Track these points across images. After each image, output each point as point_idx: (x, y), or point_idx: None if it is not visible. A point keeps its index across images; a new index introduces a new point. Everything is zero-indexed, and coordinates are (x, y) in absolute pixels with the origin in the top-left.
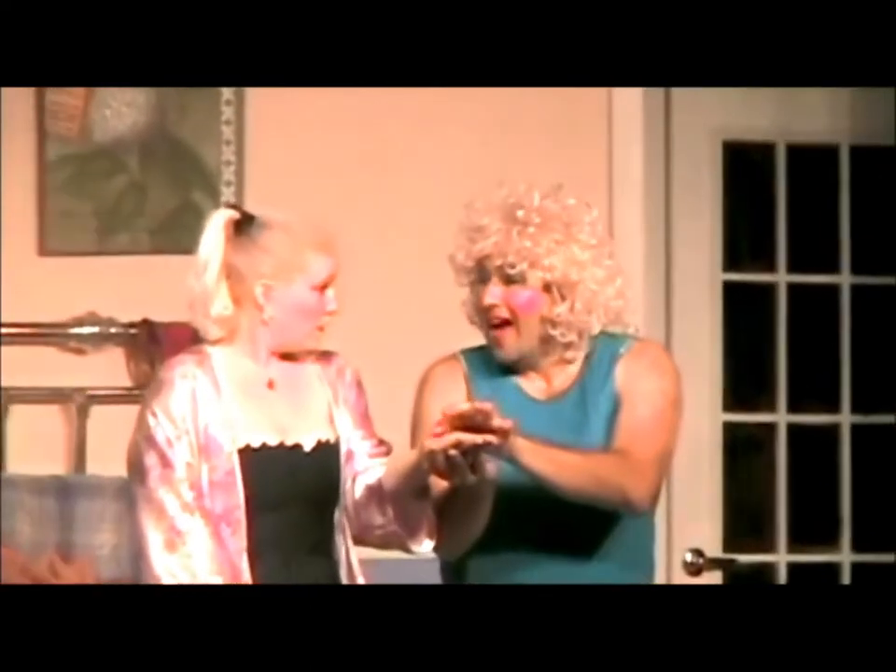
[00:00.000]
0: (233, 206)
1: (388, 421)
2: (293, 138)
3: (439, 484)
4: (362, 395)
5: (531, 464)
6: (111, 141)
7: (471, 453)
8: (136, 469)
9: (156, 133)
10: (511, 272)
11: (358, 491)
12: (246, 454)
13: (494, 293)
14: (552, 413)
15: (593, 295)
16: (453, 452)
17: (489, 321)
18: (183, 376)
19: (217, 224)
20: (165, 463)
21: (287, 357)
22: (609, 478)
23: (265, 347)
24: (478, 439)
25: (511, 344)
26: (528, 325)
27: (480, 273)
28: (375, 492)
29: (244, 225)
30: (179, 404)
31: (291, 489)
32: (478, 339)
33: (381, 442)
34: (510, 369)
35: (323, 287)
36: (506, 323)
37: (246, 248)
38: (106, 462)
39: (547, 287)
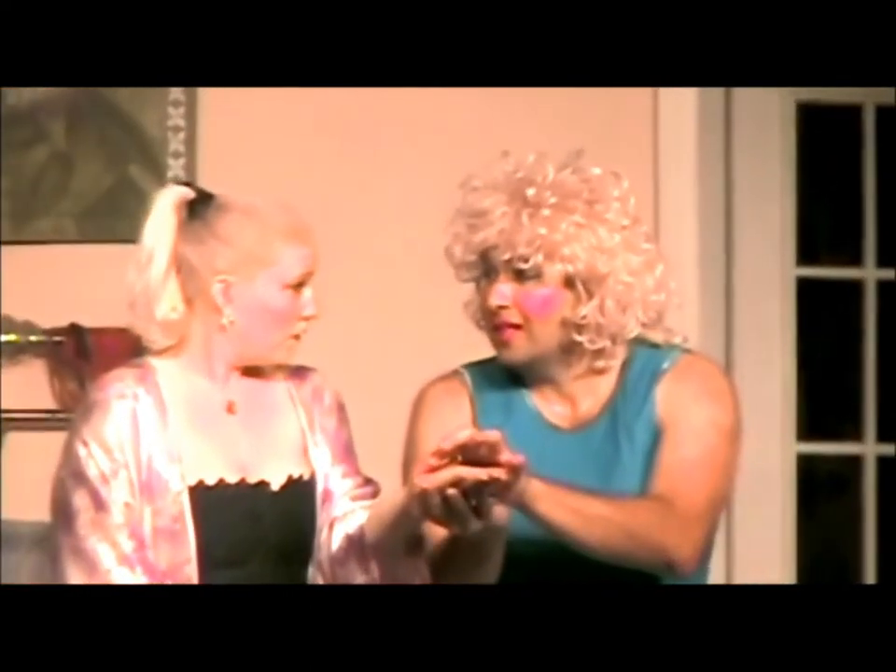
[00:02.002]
0: (186, 184)
1: (376, 455)
2: (259, 99)
3: (435, 534)
4: (344, 422)
5: (548, 514)
6: (30, 103)
7: (474, 493)
8: (62, 513)
9: (85, 94)
10: (524, 266)
11: (336, 542)
12: (199, 493)
13: (502, 292)
14: (576, 446)
15: (627, 289)
16: (451, 491)
17: (495, 325)
18: (121, 396)
19: (165, 205)
20: (99, 505)
21: (252, 372)
22: (646, 534)
23: (224, 360)
24: (482, 474)
25: (520, 346)
26: (544, 330)
27: (485, 268)
28: (356, 543)
29: (198, 207)
30: (116, 431)
31: (254, 538)
32: (486, 351)
33: (366, 482)
34: (524, 387)
35: (298, 286)
36: (515, 328)
37: (201, 236)
38: (24, 504)
39: (569, 283)
